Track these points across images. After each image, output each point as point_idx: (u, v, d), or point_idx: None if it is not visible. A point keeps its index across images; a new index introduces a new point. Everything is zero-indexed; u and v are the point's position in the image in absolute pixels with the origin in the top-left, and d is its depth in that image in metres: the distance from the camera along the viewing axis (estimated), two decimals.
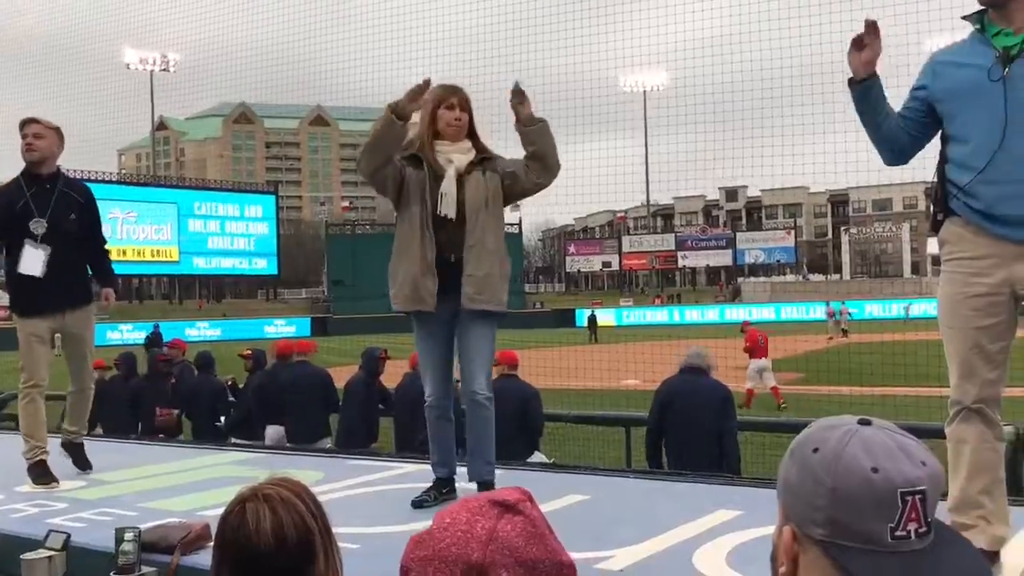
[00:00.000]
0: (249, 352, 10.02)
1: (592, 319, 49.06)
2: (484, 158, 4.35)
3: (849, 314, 43.32)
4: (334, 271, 69.01)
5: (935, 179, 3.24)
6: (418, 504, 4.29)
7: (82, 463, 5.66)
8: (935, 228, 3.24)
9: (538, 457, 7.53)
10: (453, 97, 4.32)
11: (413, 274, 4.23)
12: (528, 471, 5.58)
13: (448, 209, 4.24)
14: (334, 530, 1.85)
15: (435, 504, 4.27)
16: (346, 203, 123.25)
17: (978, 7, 3.13)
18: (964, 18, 3.17)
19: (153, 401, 9.75)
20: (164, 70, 77.43)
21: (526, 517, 1.26)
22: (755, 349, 18.16)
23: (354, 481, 5.03)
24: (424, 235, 4.24)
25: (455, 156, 4.30)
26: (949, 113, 3.14)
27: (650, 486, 4.91)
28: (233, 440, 8.86)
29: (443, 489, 4.43)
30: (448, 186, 4.25)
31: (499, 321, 4.40)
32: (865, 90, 3.22)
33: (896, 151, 3.30)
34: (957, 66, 3.14)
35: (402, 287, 4.30)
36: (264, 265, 67.17)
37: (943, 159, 3.19)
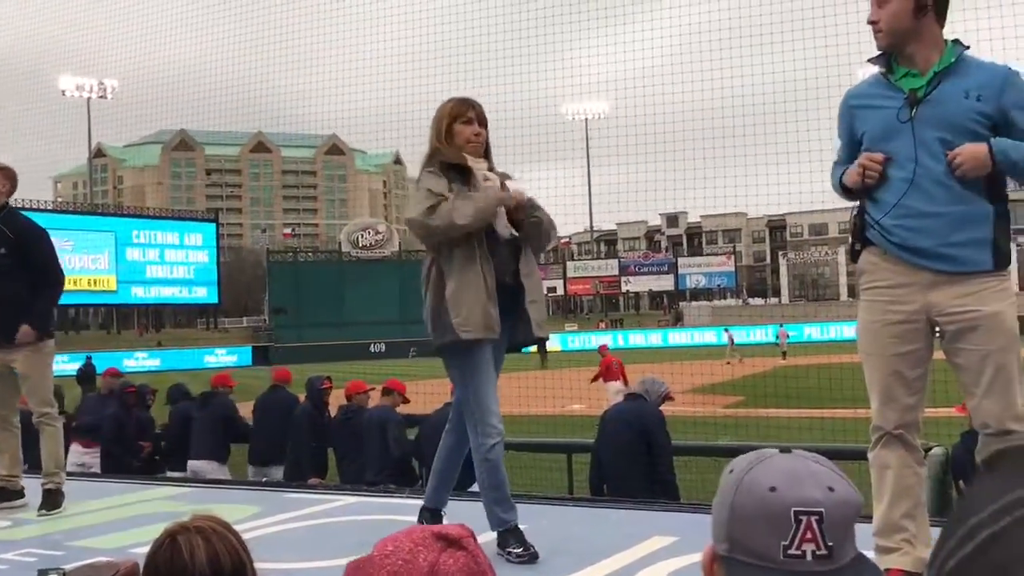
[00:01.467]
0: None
1: (542, 343, 48.84)
2: (504, 179, 4.10)
3: (788, 336, 44.11)
4: (276, 299, 68.19)
5: (854, 212, 3.35)
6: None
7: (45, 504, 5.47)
8: (854, 258, 3.34)
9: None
10: (471, 111, 4.04)
11: (482, 301, 3.87)
12: (471, 500, 5.55)
13: (505, 230, 3.95)
14: (267, 565, 1.85)
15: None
16: (288, 230, 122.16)
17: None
18: (870, 61, 3.29)
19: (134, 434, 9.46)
20: (101, 97, 76.17)
21: (469, 553, 1.26)
22: (608, 373, 19.13)
23: (291, 515, 4.95)
24: (482, 258, 3.90)
25: (492, 175, 4.02)
26: (866, 150, 3.26)
27: (589, 513, 4.92)
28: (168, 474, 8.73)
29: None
30: (499, 207, 3.94)
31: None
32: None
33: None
34: (869, 108, 3.28)
35: (471, 314, 3.87)
36: (204, 294, 66.11)
37: (860, 193, 3.30)
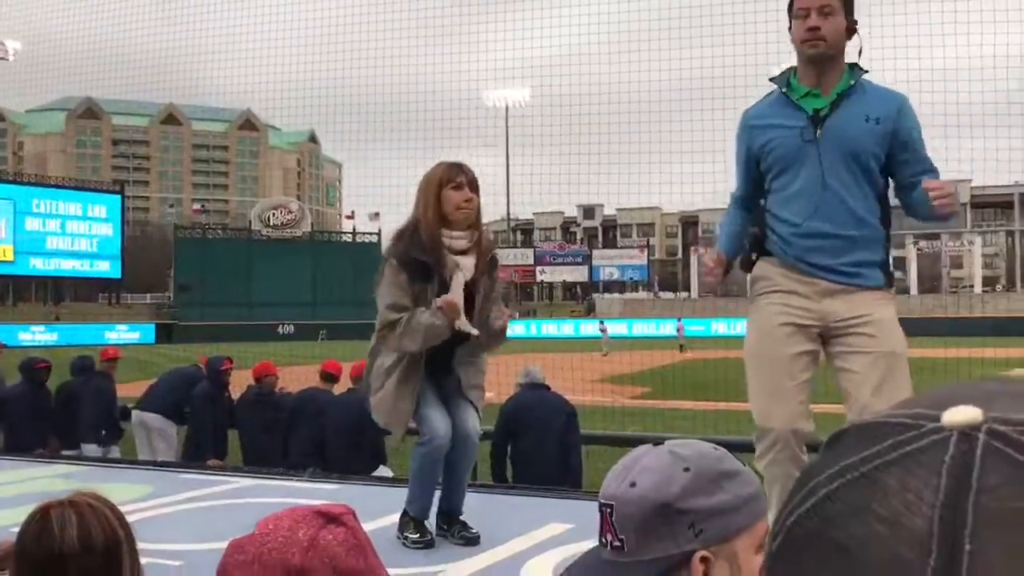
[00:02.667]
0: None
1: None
2: (491, 259, 4.02)
3: (684, 330, 45.40)
4: (181, 276, 66.59)
5: (754, 229, 3.41)
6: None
7: None
8: (748, 268, 3.41)
9: (383, 471, 7.46)
10: (460, 176, 3.82)
11: (400, 391, 3.91)
12: (370, 485, 5.53)
13: (466, 326, 3.87)
14: (154, 546, 1.82)
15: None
16: (198, 206, 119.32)
17: (784, 69, 3.34)
18: (772, 80, 3.36)
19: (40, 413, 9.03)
20: (2, 59, 73.11)
21: (348, 529, 1.28)
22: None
23: (185, 496, 4.85)
24: (422, 350, 3.85)
25: (465, 262, 3.84)
26: (769, 169, 3.33)
27: (488, 500, 4.94)
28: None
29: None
30: (461, 300, 3.82)
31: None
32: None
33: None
34: (771, 127, 3.32)
35: (394, 417, 3.99)
36: (107, 268, 64.19)
37: (763, 208, 3.38)
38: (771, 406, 3.24)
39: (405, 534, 3.88)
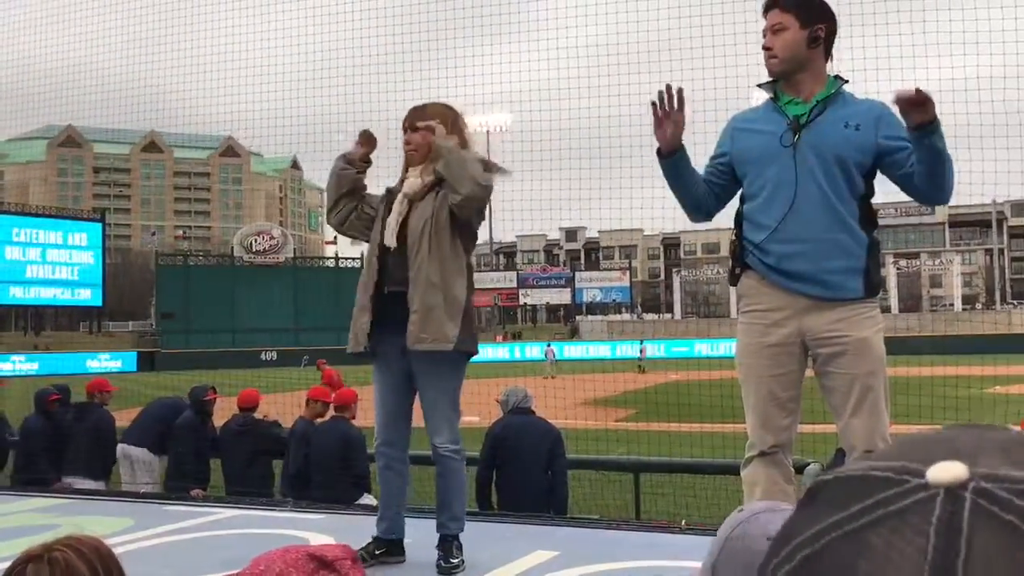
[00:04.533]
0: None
1: None
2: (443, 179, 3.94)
3: (645, 352, 45.85)
4: (164, 303, 66.15)
5: (733, 235, 3.45)
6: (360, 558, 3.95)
7: None
8: (733, 282, 3.45)
9: (367, 499, 7.41)
10: (407, 120, 4.04)
11: (355, 311, 3.93)
12: (352, 514, 5.49)
13: (388, 238, 3.91)
14: None
15: (369, 563, 3.80)
16: (179, 232, 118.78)
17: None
18: (759, 86, 3.41)
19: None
20: None
21: None
22: (332, 385, 19.89)
23: (167, 528, 4.80)
24: (369, 268, 3.95)
25: (409, 182, 3.98)
26: (745, 175, 3.37)
27: (473, 527, 4.90)
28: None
29: (376, 550, 3.92)
30: (393, 214, 3.94)
31: (458, 361, 3.96)
32: (674, 163, 3.38)
33: (703, 211, 3.52)
34: (753, 132, 3.39)
35: (352, 328, 3.95)
36: (88, 295, 63.78)
37: (740, 217, 3.40)
38: (758, 426, 3.29)
39: (461, 557, 3.88)
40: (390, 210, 3.97)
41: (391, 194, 4.06)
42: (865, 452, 3.20)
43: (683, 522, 4.73)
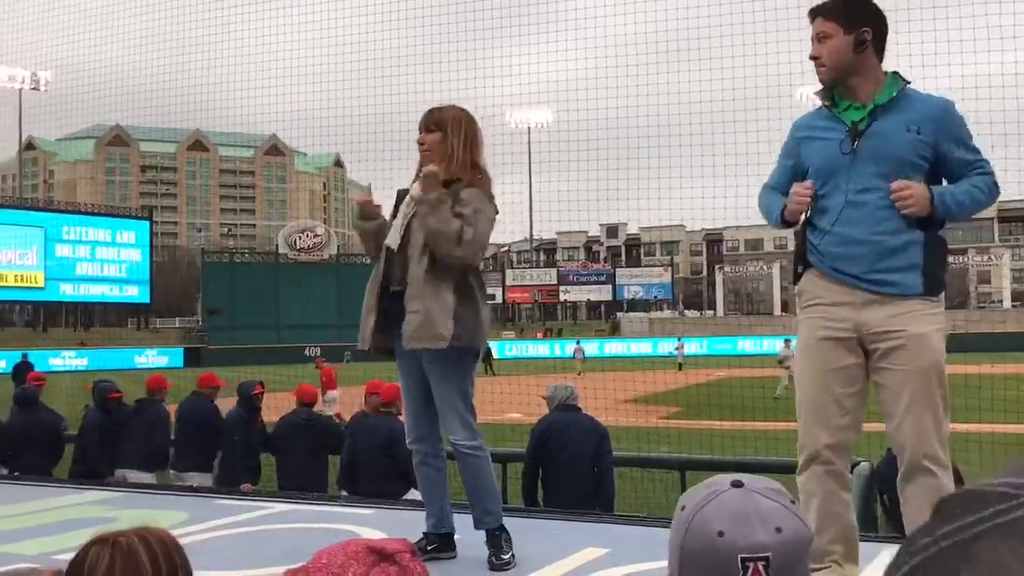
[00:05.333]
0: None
1: (488, 352, 48.82)
2: (451, 181, 3.93)
3: (684, 348, 45.68)
4: (210, 300, 67.08)
5: (797, 235, 3.45)
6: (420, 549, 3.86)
7: None
8: (795, 280, 3.44)
9: (414, 495, 7.46)
10: (422, 120, 4.08)
11: (363, 310, 4.06)
12: (401, 510, 5.54)
13: (391, 240, 4.01)
14: (195, 574, 1.80)
15: (425, 556, 3.78)
16: (225, 230, 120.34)
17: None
18: (816, 94, 3.39)
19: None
20: (34, 89, 74.22)
21: (401, 568, 1.27)
22: (329, 382, 20.39)
23: (220, 522, 4.88)
24: (376, 269, 4.08)
25: (416, 185, 4.00)
26: (808, 179, 3.36)
27: (522, 524, 4.92)
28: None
29: (428, 545, 3.96)
30: (399, 216, 4.03)
31: (462, 359, 3.96)
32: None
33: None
34: (814, 139, 3.38)
35: (360, 326, 4.10)
36: (135, 293, 64.77)
37: (806, 218, 3.40)
38: (810, 421, 3.25)
39: (511, 552, 3.91)
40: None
41: (401, 196, 4.13)
42: (912, 468, 3.14)
43: None
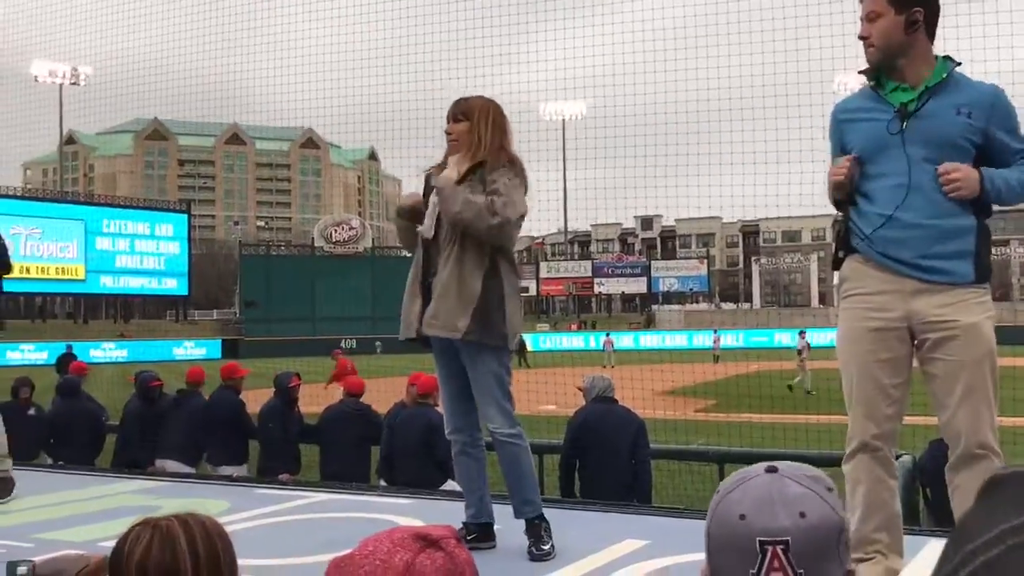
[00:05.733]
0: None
1: (521, 344, 49.16)
2: (478, 164, 3.92)
3: (720, 341, 45.60)
4: (247, 292, 67.75)
5: (839, 220, 3.39)
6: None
7: None
8: (836, 266, 3.37)
9: (451, 485, 7.49)
10: (450, 110, 4.09)
11: (405, 299, 4.06)
12: (439, 499, 5.56)
13: (425, 229, 4.02)
14: (239, 562, 1.82)
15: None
16: (261, 223, 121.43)
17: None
18: (861, 73, 3.33)
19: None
20: (74, 84, 75.24)
21: (447, 555, 1.28)
22: (343, 375, 20.35)
23: (261, 511, 4.93)
24: (415, 258, 4.09)
25: (444, 173, 4.00)
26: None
27: (560, 515, 4.92)
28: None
29: (468, 535, 3.95)
30: (430, 206, 4.02)
31: (496, 350, 3.97)
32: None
33: None
34: (858, 121, 3.31)
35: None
36: (174, 285, 65.59)
37: (848, 201, 3.33)
38: (858, 412, 3.20)
39: (551, 543, 3.90)
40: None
41: (428, 180, 4.12)
42: (965, 456, 3.09)
43: None
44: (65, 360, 24.77)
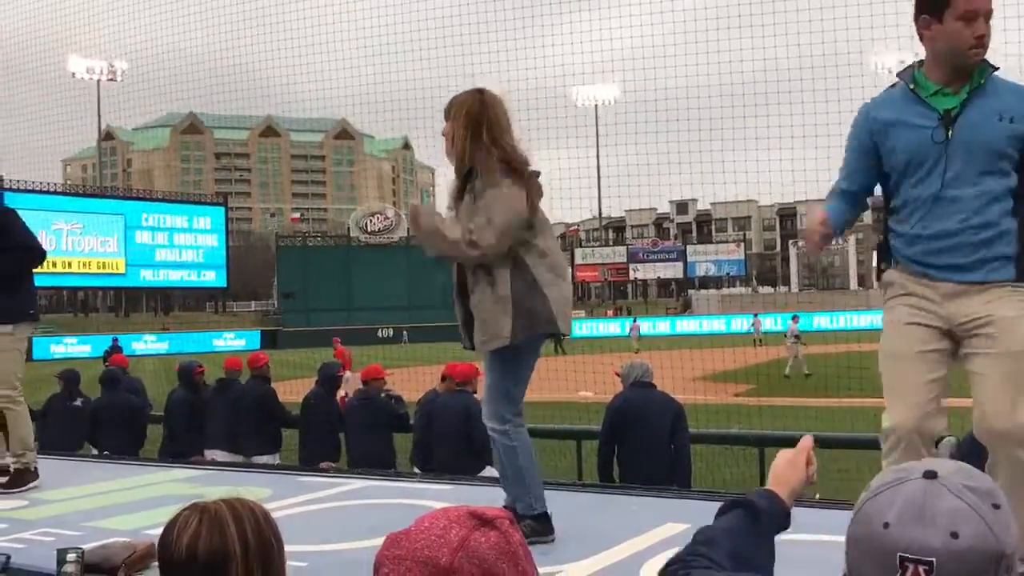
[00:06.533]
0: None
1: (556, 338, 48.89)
2: (467, 175, 3.90)
3: (761, 324, 45.33)
4: (284, 283, 68.36)
5: (879, 231, 3.36)
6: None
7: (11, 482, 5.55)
8: (879, 277, 3.39)
9: (490, 472, 7.52)
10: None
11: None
12: (478, 486, 5.59)
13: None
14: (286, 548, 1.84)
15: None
16: (297, 215, 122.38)
17: (909, 63, 3.23)
18: (899, 75, 3.25)
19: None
20: (111, 79, 76.19)
21: (501, 533, 1.30)
22: (345, 363, 20.45)
23: (303, 498, 4.98)
24: (451, 270, 4.11)
25: (449, 182, 4.01)
26: (892, 171, 3.24)
27: (599, 500, 4.94)
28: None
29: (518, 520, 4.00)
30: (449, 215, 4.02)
31: (543, 337, 4.00)
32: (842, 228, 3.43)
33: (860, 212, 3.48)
34: (900, 125, 3.20)
35: None
36: (213, 277, 66.30)
37: (886, 212, 3.30)
38: (895, 404, 3.17)
39: (530, 539, 3.87)
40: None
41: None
42: (999, 433, 3.04)
43: (815, 495, 4.63)
44: (111, 352, 25.38)
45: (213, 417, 8.95)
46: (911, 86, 3.18)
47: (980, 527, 1.01)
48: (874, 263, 3.44)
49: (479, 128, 3.87)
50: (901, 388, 3.17)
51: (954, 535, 1.00)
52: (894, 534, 1.02)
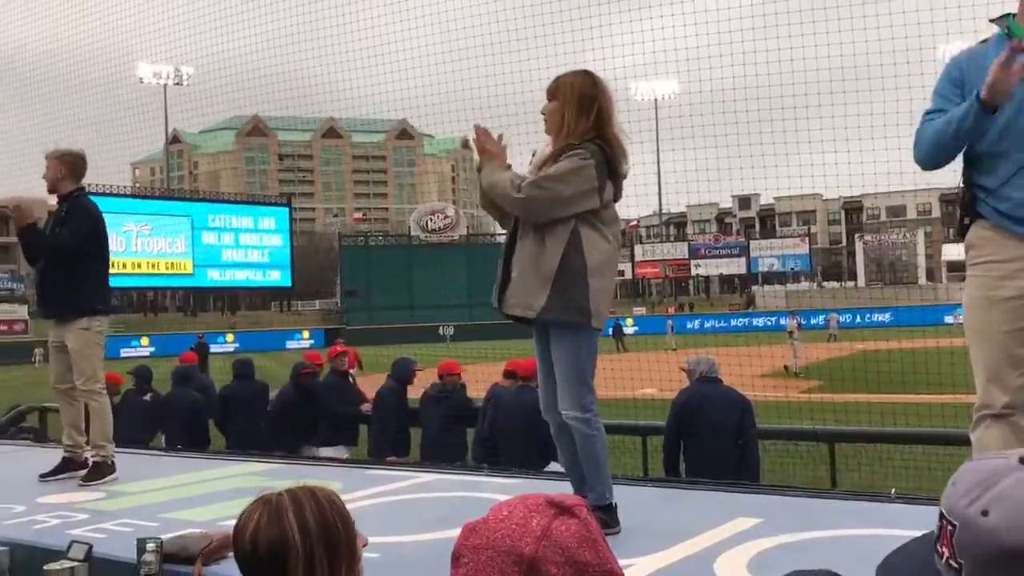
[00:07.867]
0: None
1: (618, 328, 49.02)
2: (561, 151, 3.86)
3: (838, 320, 44.60)
4: (347, 282, 69.19)
5: (961, 184, 3.22)
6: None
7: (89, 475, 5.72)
8: (961, 233, 3.21)
9: (555, 467, 7.51)
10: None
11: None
12: (545, 480, 5.59)
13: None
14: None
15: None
16: (359, 215, 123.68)
17: (1005, 10, 3.11)
18: (992, 21, 3.15)
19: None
20: (177, 84, 77.87)
21: (581, 521, 1.28)
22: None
23: (373, 491, 5.03)
24: (509, 228, 4.09)
25: (539, 152, 3.99)
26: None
27: (668, 494, 4.90)
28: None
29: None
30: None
31: (577, 332, 3.83)
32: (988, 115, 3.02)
33: (946, 161, 3.21)
34: (987, 70, 3.04)
35: None
36: (278, 277, 67.33)
37: (969, 163, 3.17)
38: (989, 385, 3.07)
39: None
40: None
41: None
42: None
43: (892, 491, 4.54)
44: (197, 349, 26.29)
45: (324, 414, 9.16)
46: (1006, 33, 3.08)
47: (1013, 516, 0.98)
48: (958, 215, 3.23)
49: (590, 110, 3.87)
50: (992, 367, 3.05)
51: (984, 512, 0.98)
52: (993, 524, 0.98)
